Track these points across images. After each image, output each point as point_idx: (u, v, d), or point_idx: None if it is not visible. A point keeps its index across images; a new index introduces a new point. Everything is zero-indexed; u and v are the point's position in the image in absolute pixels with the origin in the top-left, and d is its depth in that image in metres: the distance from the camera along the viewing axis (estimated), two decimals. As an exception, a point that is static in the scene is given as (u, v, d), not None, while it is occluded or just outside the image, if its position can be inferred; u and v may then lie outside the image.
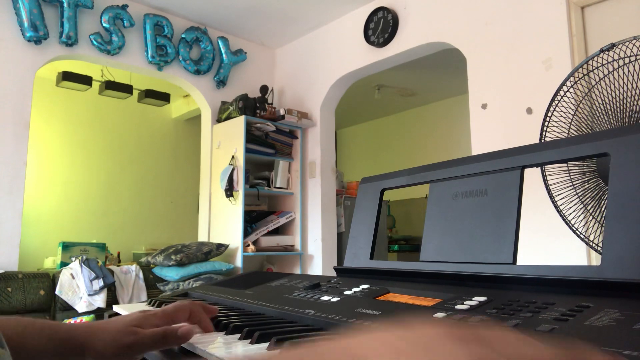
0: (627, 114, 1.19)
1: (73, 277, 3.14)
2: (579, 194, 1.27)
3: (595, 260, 2.41)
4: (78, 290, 3.11)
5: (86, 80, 4.42)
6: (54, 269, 3.48)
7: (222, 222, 3.92)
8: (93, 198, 5.43)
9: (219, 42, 4.16)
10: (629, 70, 1.17)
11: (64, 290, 3.09)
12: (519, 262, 0.61)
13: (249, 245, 3.72)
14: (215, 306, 0.81)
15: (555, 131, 1.32)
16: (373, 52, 3.76)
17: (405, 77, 5.39)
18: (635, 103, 1.17)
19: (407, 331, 0.24)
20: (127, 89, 4.68)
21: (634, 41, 1.17)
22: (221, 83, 4.21)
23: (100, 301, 3.11)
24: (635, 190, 0.51)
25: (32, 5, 3.20)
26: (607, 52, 1.22)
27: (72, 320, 2.84)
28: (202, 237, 4.12)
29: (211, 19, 4.08)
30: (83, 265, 3.16)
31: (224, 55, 4.18)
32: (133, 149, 5.78)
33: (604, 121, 1.25)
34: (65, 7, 3.34)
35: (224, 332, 0.62)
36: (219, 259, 3.70)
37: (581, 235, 1.31)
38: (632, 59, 1.16)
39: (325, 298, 0.68)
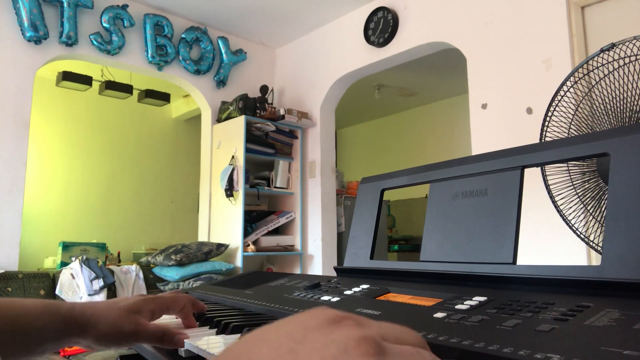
0: (627, 114, 1.19)
1: (73, 277, 3.14)
2: (579, 194, 1.27)
3: (595, 260, 2.41)
4: (78, 290, 3.11)
5: (86, 80, 4.42)
6: (54, 269, 3.48)
7: (222, 222, 3.92)
8: (93, 198, 5.43)
9: (219, 42, 4.16)
10: (629, 70, 1.17)
11: (64, 290, 3.09)
12: (519, 262, 0.61)
13: (249, 245, 3.72)
14: (215, 305, 0.82)
15: (555, 131, 1.32)
16: (373, 52, 3.76)
17: (405, 77, 5.39)
18: (635, 103, 1.17)
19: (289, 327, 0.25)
20: (127, 89, 4.67)
21: (634, 41, 1.17)
22: (221, 83, 4.21)
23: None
24: (635, 190, 0.51)
25: (32, 5, 3.20)
26: (607, 52, 1.22)
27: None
28: (202, 237, 4.12)
29: (211, 19, 4.07)
30: (83, 265, 3.16)
31: (224, 55, 4.18)
32: (133, 149, 5.78)
33: (604, 121, 1.25)
34: (65, 7, 3.34)
35: (224, 333, 0.62)
36: (219, 258, 3.70)
37: (581, 235, 1.31)
38: (632, 59, 1.16)
39: (326, 298, 0.68)
